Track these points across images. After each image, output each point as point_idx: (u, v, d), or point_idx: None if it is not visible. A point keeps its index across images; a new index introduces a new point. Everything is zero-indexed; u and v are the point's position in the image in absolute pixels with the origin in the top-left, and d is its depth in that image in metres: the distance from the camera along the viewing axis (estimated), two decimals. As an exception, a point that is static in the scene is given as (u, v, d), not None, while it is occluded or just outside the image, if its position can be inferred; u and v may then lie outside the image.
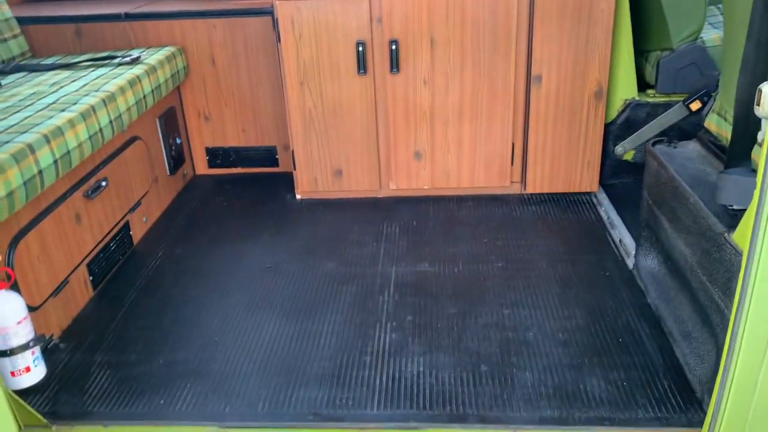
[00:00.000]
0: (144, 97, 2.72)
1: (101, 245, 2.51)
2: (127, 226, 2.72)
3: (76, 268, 2.32)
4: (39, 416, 1.82)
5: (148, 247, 2.78)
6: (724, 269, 1.66)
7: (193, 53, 3.24)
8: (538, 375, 1.94)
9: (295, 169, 3.09)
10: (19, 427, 1.82)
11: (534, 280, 2.40)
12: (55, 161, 2.07)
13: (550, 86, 2.80)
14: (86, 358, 2.10)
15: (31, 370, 1.83)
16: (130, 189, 2.74)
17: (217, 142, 3.43)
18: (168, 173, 3.16)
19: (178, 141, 3.23)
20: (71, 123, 2.18)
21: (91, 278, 2.43)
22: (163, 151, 3.12)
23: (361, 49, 2.82)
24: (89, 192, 2.39)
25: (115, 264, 2.61)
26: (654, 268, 2.27)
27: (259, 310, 2.31)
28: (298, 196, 3.15)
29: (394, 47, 2.80)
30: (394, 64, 2.83)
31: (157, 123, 3.06)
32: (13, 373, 1.81)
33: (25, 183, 1.91)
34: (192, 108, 3.36)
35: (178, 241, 2.82)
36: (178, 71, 3.10)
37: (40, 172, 1.99)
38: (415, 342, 2.10)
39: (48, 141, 2.05)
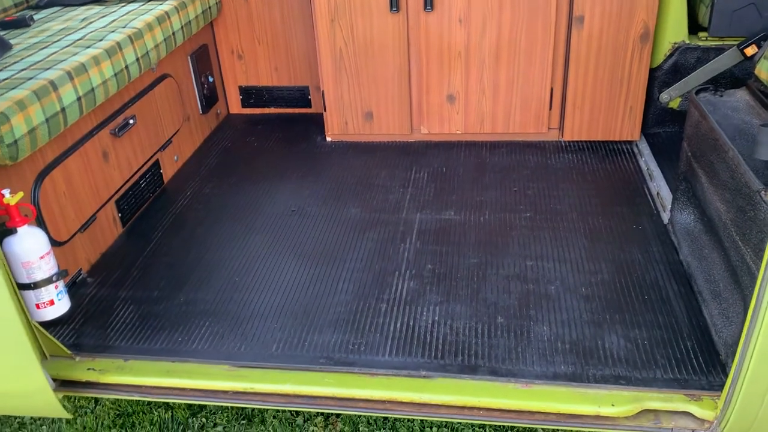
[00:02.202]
0: (173, 33, 2.69)
1: (130, 183, 2.54)
2: (157, 165, 2.74)
3: (104, 205, 2.36)
4: (63, 347, 1.89)
5: (178, 185, 2.80)
6: (758, 229, 1.56)
7: (226, -11, 3.18)
8: (556, 329, 1.89)
9: (325, 110, 3.04)
10: (44, 357, 1.89)
11: (562, 232, 2.32)
12: (79, 98, 2.07)
13: (592, 27, 2.64)
14: (111, 293, 2.16)
15: (55, 303, 1.89)
16: (161, 127, 2.74)
17: (251, 81, 3.39)
18: (200, 112, 3.15)
19: (211, 79, 3.21)
20: (96, 60, 2.17)
21: (119, 215, 2.48)
22: (195, 89, 3.11)
23: (394, -15, 2.70)
24: (117, 130, 2.40)
25: (145, 202, 2.65)
26: (689, 223, 2.16)
27: (280, 253, 2.31)
28: (328, 138, 3.11)
29: (428, -16, 2.68)
30: (429, 1, 2.70)
31: (189, 60, 3.04)
32: (38, 306, 1.87)
33: (47, 120, 1.93)
34: (225, 45, 3.31)
35: (207, 180, 2.83)
36: (209, 7, 3.05)
37: (63, 109, 2.00)
38: (432, 291, 2.07)
39: (71, 78, 2.05)
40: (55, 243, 2.08)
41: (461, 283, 2.10)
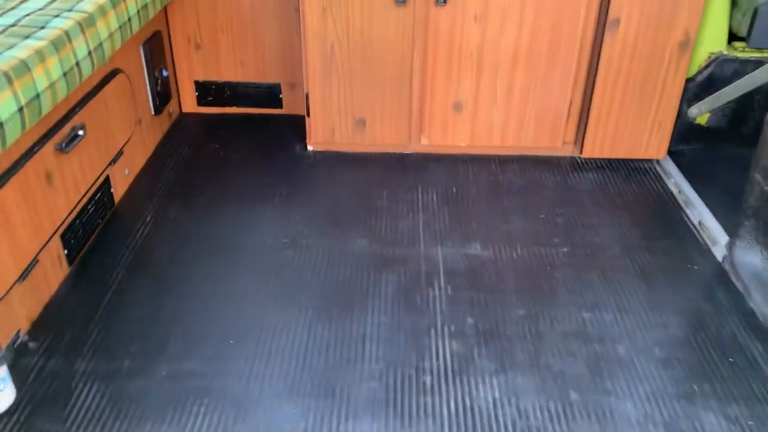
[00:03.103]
0: (129, 19, 2.14)
1: (78, 209, 2.00)
2: (107, 183, 2.20)
3: (47, 242, 1.82)
4: (7, 456, 1.38)
5: (134, 207, 2.27)
6: None
7: (184, -36, 2.64)
8: (642, 407, 1.57)
9: (308, 115, 2.58)
10: (-19, 469, 1.37)
11: (610, 272, 2.01)
12: (20, 109, 1.53)
13: (628, 32, 2.33)
14: (65, 364, 1.64)
15: (-4, 396, 1.37)
16: (111, 135, 2.20)
17: (210, 76, 2.87)
18: (152, 113, 2.61)
19: (165, 74, 2.66)
20: (40, 55, 1.63)
21: (66, 252, 1.94)
22: (148, 86, 2.56)
23: (401, -28, 2.27)
24: (63, 144, 1.86)
25: (93, 230, 2.11)
26: (760, 268, 1.90)
27: (280, 301, 1.86)
28: (310, 148, 2.65)
29: (445, -27, 2.27)
30: (442, -7, 2.30)
31: (141, 51, 2.49)
32: (-30, 403, 1.35)
33: (-21, 142, 1.39)
34: (181, 33, 2.77)
35: (168, 200, 2.31)
36: (164, -13, 2.50)
37: (1, 125, 1.46)
38: (482, 355, 1.70)
39: (10, 81, 1.50)
40: (-13, 303, 1.55)
41: (514, 344, 1.74)
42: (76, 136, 1.92)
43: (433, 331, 1.77)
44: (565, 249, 2.10)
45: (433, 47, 2.42)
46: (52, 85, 1.67)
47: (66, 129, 1.89)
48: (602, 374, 1.65)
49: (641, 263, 2.05)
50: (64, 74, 1.73)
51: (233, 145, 2.69)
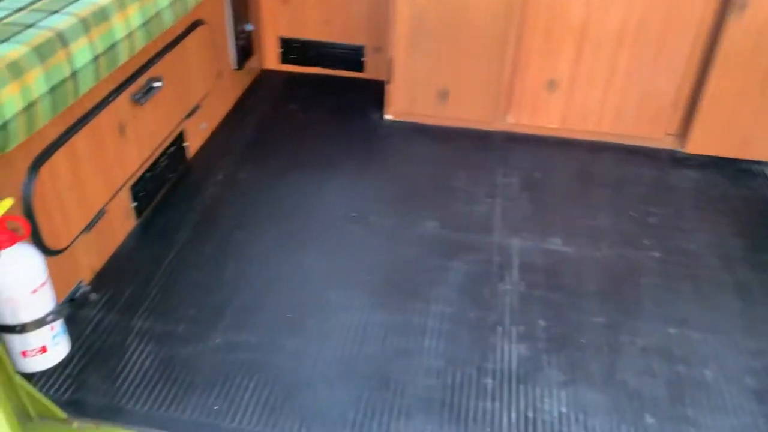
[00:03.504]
0: (214, -31, 2.07)
1: (150, 161, 1.97)
2: (181, 137, 2.17)
3: (117, 193, 1.80)
4: (55, 408, 1.37)
5: (206, 164, 2.23)
6: None
7: None
8: (728, 444, 1.41)
9: (389, 81, 2.45)
10: (28, 418, 1.37)
11: (704, 285, 1.81)
12: (96, 58, 1.48)
13: (756, 18, 2.06)
14: (123, 320, 1.63)
15: (48, 350, 1.36)
16: (188, 89, 2.15)
17: (295, 33, 2.78)
18: (234, 67, 2.55)
19: (249, 27, 2.59)
20: (120, 2, 1.57)
21: (134, 204, 1.92)
22: (231, 38, 2.49)
23: (507, -66, 2.09)
24: (139, 95, 1.82)
25: (164, 185, 2.09)
26: None
27: (343, 278, 1.78)
28: (388, 116, 2.53)
29: (551, -63, 2.07)
30: (547, -39, 2.10)
31: (227, 3, 2.42)
32: (24, 354, 1.34)
33: (51, 89, 1.35)
34: (269, -15, 2.69)
35: (241, 159, 2.26)
36: (257, -64, 2.41)
37: (74, 74, 1.41)
38: (551, 363, 1.57)
39: (87, 28, 1.45)
40: (50, 253, 1.54)
41: (588, 354, 1.59)
42: (152, 88, 1.87)
43: (500, 329, 1.65)
44: (655, 253, 1.92)
45: (533, 18, 2.23)
46: (130, 35, 1.61)
47: (143, 80, 1.85)
48: (684, 399, 1.49)
49: (741, 278, 1.84)
50: (145, 23, 1.67)
51: (311, 107, 2.60)
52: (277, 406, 1.44)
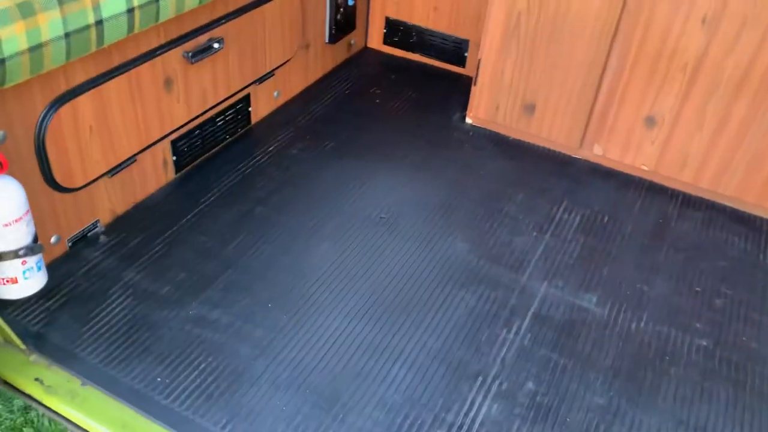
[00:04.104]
0: (307, -63, 2.01)
1: (200, 120, 1.98)
2: (246, 100, 2.16)
3: (153, 145, 1.83)
4: (16, 338, 1.43)
5: (266, 132, 2.22)
6: None
7: None
8: None
9: (475, 84, 2.28)
10: (-4, 341, 1.44)
11: (749, 396, 1.51)
12: (130, 10, 1.49)
13: None
14: (117, 268, 1.66)
15: (19, 282, 1.41)
16: (263, 55, 2.13)
17: (401, 15, 2.67)
18: (326, 41, 2.50)
19: (351, 2, 2.52)
20: (173, -42, 1.57)
21: (174, 159, 1.95)
22: (328, 11, 2.44)
23: (623, -57, 1.83)
24: (191, 53, 1.82)
25: (216, 145, 2.10)
26: None
27: (343, 280, 1.69)
28: (468, 120, 2.37)
29: (676, -46, 1.78)
30: (667, -20, 1.82)
31: (327, -26, 2.36)
32: (-4, 280, 1.41)
33: (67, 35, 1.37)
34: (383, -38, 2.59)
35: (300, 134, 2.22)
36: None
37: (99, 22, 1.43)
38: (521, 434, 1.38)
39: (125, -21, 1.46)
40: (61, 189, 1.59)
41: (567, 437, 1.39)
42: (210, 48, 1.87)
43: (480, 380, 1.48)
44: (704, 342, 1.62)
45: (640, 42, 1.95)
46: (179, -8, 1.61)
47: (201, 39, 1.85)
48: None
49: (803, 400, 1.51)
50: (200, -17, 1.66)
51: (395, 95, 2.50)
52: (214, 396, 1.39)
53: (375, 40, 2.78)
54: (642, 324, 1.66)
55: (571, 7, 1.99)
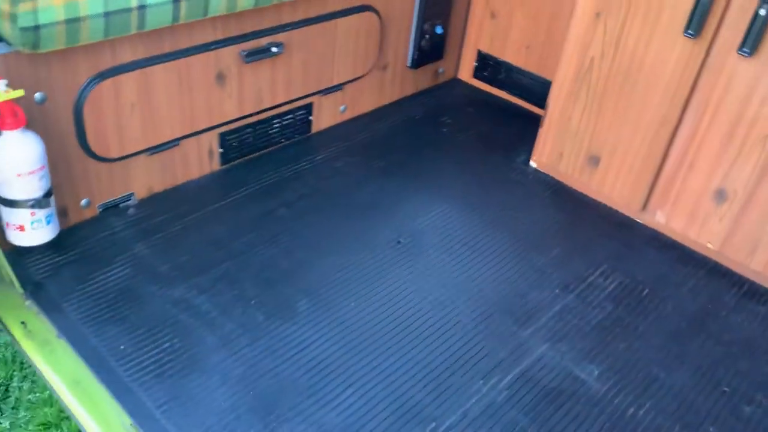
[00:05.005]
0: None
1: (253, 119, 2.05)
2: (307, 109, 2.21)
3: (198, 133, 1.92)
4: (17, 282, 1.55)
5: (322, 142, 2.25)
6: None
7: (509, -77, 2.38)
8: None
9: (541, 125, 2.17)
10: None
11: None
12: (176, 0, 1.59)
13: None
14: (132, 240, 1.75)
15: (26, 230, 1.53)
16: (328, 67, 2.18)
17: (493, 50, 2.61)
18: (408, 65, 2.50)
19: (439, 30, 2.50)
20: (231, -41, 1.65)
21: (221, 151, 2.03)
22: (412, 37, 2.44)
23: (706, -5, 1.66)
24: (247, 54, 1.90)
25: (269, 146, 2.16)
26: None
27: (331, 296, 1.66)
28: (532, 163, 2.25)
29: (764, 12, 1.58)
30: (752, 40, 1.62)
31: (416, 0, 2.37)
32: (7, 224, 1.53)
33: (107, 14, 1.48)
34: (481, -5, 2.56)
35: (352, 150, 2.22)
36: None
37: (141, 7, 1.53)
38: (450, 493, 1.26)
39: (175, -29, 1.56)
40: (95, 157, 1.71)
41: None
42: (267, 51, 1.94)
43: (431, 427, 1.37)
44: (710, 449, 1.40)
45: (717, 104, 1.76)
46: (233, -9, 1.69)
47: (261, 41, 1.92)
48: None
49: None
50: (258, -15, 1.73)
51: (464, 127, 2.44)
52: (164, 375, 1.42)
53: (465, 72, 2.74)
54: (641, 412, 1.46)
55: (647, 56, 1.83)
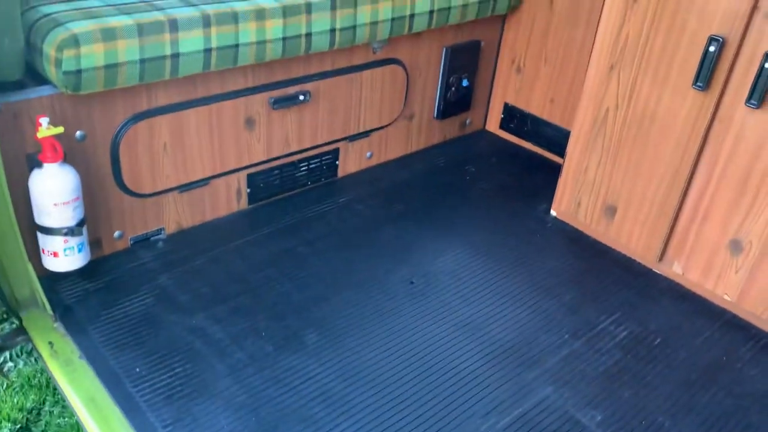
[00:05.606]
0: (412, 15, 2.15)
1: (281, 162, 2.17)
2: (334, 154, 2.32)
3: (227, 174, 2.04)
4: (48, 305, 1.66)
5: (347, 186, 2.34)
6: None
7: (533, -17, 2.48)
8: None
9: (560, 176, 2.21)
10: (19, 302, 1.69)
11: None
12: (208, 50, 1.72)
13: None
14: (157, 271, 1.86)
15: (60, 257, 1.65)
16: (355, 115, 2.29)
17: (519, 102, 2.68)
18: (435, 116, 2.60)
19: (465, 83, 2.60)
20: (259, 14, 1.79)
21: (249, 191, 2.14)
22: (438, 89, 2.55)
23: (713, 49, 1.70)
24: (275, 101, 2.02)
25: (297, 188, 2.27)
26: None
27: (338, 332, 1.71)
28: (552, 213, 2.28)
29: (770, 65, 1.61)
30: (759, 92, 1.64)
31: (443, 54, 2.48)
32: (43, 250, 1.66)
33: (142, 61, 1.62)
34: (508, 51, 2.65)
35: (375, 195, 2.30)
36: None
37: (175, 55, 1.67)
38: None
39: (207, 24, 1.70)
40: (129, 192, 1.84)
41: None
42: (295, 98, 2.06)
43: (424, 461, 1.39)
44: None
45: (728, 155, 1.77)
46: (261, 43, 1.82)
47: (290, 90, 2.05)
48: None
49: None
50: (284, 38, 1.86)
51: (487, 176, 2.49)
52: (173, 398, 1.49)
53: (492, 123, 2.81)
54: (642, 460, 1.45)
55: (659, 108, 1.87)
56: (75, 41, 1.50)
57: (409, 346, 1.69)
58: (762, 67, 1.62)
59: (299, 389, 1.53)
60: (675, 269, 1.99)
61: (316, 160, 2.28)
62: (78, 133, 1.68)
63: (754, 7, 1.62)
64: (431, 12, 2.21)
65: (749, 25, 1.65)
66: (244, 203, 2.16)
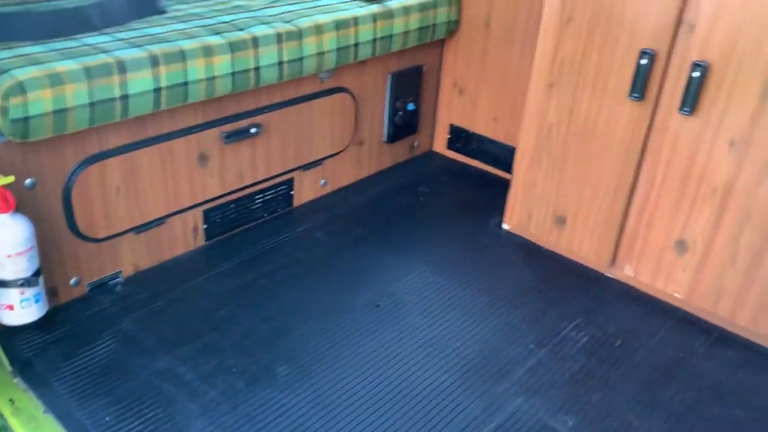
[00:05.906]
0: (356, 44, 2.20)
1: (236, 196, 2.16)
2: (288, 184, 2.33)
3: (182, 211, 2.03)
4: (6, 361, 1.60)
5: (304, 215, 2.35)
6: None
7: (470, 6, 2.57)
8: None
9: (509, 190, 2.28)
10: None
11: None
12: (157, 89, 1.72)
13: None
14: (117, 316, 1.82)
15: (16, 309, 1.60)
16: (307, 144, 2.31)
17: (464, 123, 2.76)
18: (384, 140, 2.65)
19: (411, 107, 2.66)
20: (206, 50, 1.80)
21: (205, 227, 2.12)
22: (386, 114, 2.60)
23: (645, 62, 1.80)
24: (227, 135, 2.03)
25: (253, 221, 2.26)
26: None
27: (309, 362, 1.71)
28: (504, 226, 2.35)
29: (697, 74, 1.72)
30: (690, 100, 1.75)
31: (388, 80, 2.53)
32: (-3, 305, 1.61)
33: (91, 104, 1.61)
34: (449, 75, 2.73)
35: (333, 221, 2.32)
36: (437, 24, 2.48)
37: (124, 97, 1.66)
38: None
39: (155, 64, 1.69)
40: (83, 238, 1.80)
41: None
42: (246, 132, 2.07)
43: (406, 482, 1.41)
44: (684, 493, 1.42)
45: (667, 163, 1.87)
46: (209, 80, 1.82)
47: (241, 123, 2.06)
48: None
49: None
50: (233, 74, 1.87)
51: (440, 195, 2.55)
52: (146, 444, 1.46)
53: (440, 144, 2.88)
54: (615, 460, 1.49)
55: (599, 120, 1.97)
56: (21, 88, 1.48)
57: (380, 371, 1.70)
58: (690, 76, 1.72)
59: (275, 424, 1.52)
60: (626, 272, 2.07)
61: (271, 192, 2.28)
62: (28, 180, 1.64)
63: (679, 21, 1.74)
64: (374, 40, 2.27)
65: (676, 38, 1.76)
66: (201, 240, 2.14)
